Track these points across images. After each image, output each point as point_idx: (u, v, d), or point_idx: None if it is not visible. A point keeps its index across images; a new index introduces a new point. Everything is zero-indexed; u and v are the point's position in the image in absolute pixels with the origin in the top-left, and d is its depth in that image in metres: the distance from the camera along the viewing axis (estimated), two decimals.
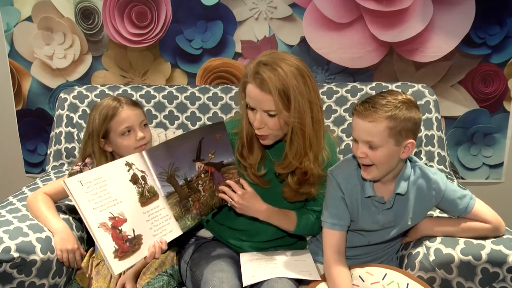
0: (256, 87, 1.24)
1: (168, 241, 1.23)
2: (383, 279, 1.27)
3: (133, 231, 1.17)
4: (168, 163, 1.25)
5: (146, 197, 1.21)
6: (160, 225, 1.23)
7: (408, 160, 1.30)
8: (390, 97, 1.20)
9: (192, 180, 1.29)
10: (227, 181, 1.33)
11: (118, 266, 1.13)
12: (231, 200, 1.32)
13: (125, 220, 1.16)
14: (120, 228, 1.15)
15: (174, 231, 1.25)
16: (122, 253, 1.13)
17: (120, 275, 1.34)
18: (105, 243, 1.12)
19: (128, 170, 1.21)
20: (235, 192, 1.32)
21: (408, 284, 1.25)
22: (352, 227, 1.34)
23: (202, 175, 1.30)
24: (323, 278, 1.32)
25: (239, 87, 1.32)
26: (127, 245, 1.15)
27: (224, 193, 1.33)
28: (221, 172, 1.33)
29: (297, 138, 1.29)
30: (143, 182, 1.22)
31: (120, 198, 1.17)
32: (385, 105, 1.18)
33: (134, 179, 1.21)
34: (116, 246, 1.13)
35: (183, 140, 1.28)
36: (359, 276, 1.29)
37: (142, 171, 1.22)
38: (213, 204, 1.34)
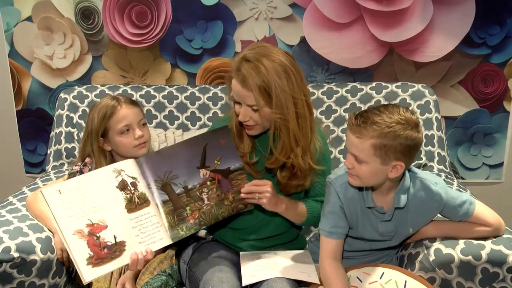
0: (238, 83, 1.26)
1: (154, 250, 1.21)
2: (380, 278, 1.27)
3: (115, 238, 1.15)
4: (164, 170, 1.23)
5: (135, 203, 1.20)
6: (148, 232, 1.21)
7: (408, 171, 1.27)
8: (386, 114, 1.15)
9: (194, 188, 1.26)
10: (254, 181, 1.29)
11: (89, 273, 1.10)
12: (257, 196, 1.28)
13: (106, 227, 1.15)
14: (98, 234, 1.13)
15: (164, 239, 1.23)
16: (97, 260, 1.12)
17: (120, 275, 1.33)
18: (78, 250, 1.10)
19: (116, 177, 1.19)
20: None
21: (406, 281, 1.25)
22: (352, 234, 1.33)
23: (208, 183, 1.28)
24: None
25: (227, 80, 1.33)
26: (105, 251, 1.13)
27: (248, 194, 1.29)
28: (229, 179, 1.30)
29: (282, 134, 1.29)
30: (132, 189, 1.20)
31: (102, 205, 1.16)
32: (376, 123, 1.13)
33: (122, 186, 1.19)
34: (91, 253, 1.11)
35: (184, 146, 1.26)
36: (357, 277, 1.29)
37: (133, 177, 1.21)
38: (219, 213, 1.29)
